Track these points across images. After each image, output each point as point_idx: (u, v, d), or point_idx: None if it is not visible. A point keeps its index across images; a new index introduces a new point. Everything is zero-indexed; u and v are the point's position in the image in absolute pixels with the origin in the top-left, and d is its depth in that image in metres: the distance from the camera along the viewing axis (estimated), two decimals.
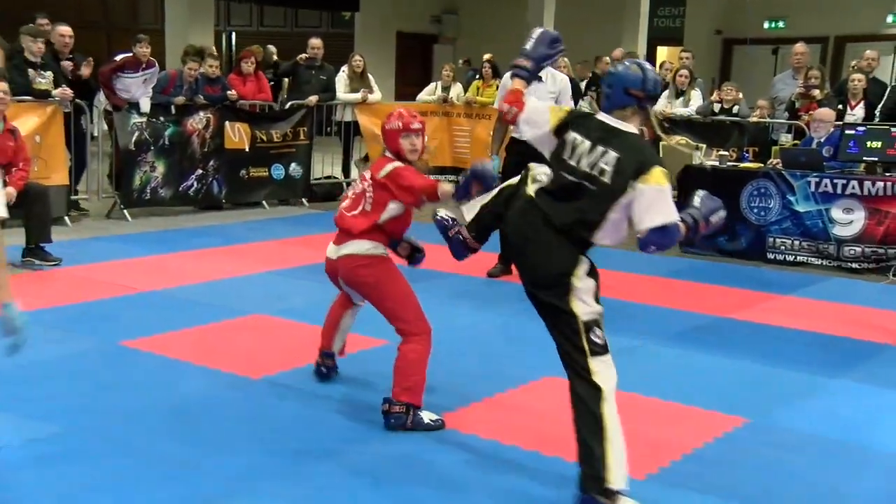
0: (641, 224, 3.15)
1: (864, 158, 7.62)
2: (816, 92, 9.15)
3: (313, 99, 10.22)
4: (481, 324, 5.60)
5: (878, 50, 10.43)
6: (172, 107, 9.13)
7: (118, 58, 8.93)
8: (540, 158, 3.46)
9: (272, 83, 11.04)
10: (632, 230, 3.23)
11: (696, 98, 10.11)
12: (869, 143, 7.55)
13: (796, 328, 5.78)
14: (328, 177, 11.12)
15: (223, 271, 6.75)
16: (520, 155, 5.24)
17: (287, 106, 10.24)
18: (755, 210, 7.88)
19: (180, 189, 9.29)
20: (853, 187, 7.48)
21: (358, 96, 10.60)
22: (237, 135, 9.63)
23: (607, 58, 11.93)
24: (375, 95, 10.81)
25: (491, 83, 10.98)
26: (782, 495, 3.46)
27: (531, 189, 3.34)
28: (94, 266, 6.79)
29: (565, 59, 9.76)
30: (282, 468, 3.49)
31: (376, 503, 3.26)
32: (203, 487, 3.32)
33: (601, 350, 3.21)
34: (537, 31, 3.66)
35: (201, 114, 9.31)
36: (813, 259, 7.70)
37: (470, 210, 3.64)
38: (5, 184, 6.42)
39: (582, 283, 3.21)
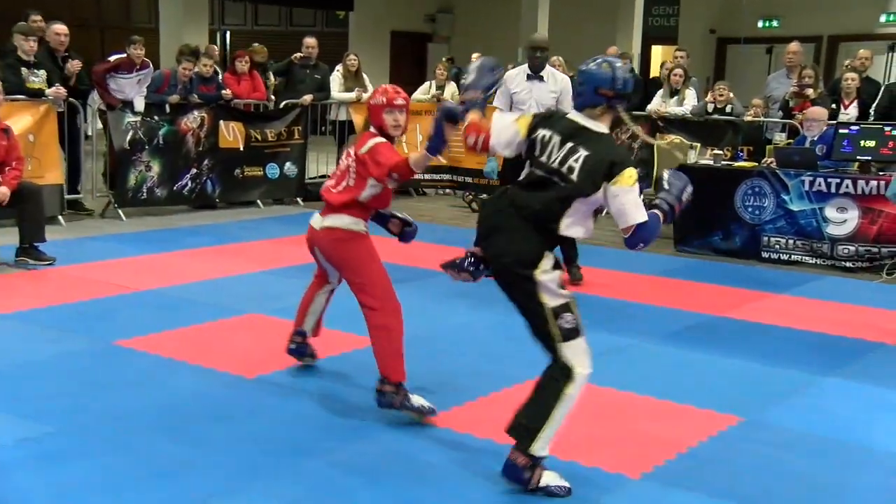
0: (622, 225, 3.24)
1: (858, 157, 7.63)
2: (810, 91, 9.16)
3: (308, 98, 10.21)
4: (477, 322, 5.61)
5: (872, 49, 10.43)
6: (167, 106, 9.12)
7: (112, 58, 8.93)
8: None
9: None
10: (617, 231, 3.26)
11: (690, 97, 10.12)
12: (863, 143, 7.57)
13: (790, 327, 5.79)
14: (323, 176, 11.08)
15: (218, 270, 6.75)
16: (517, 156, 5.24)
17: (281, 105, 10.24)
18: (749, 209, 7.90)
19: (175, 188, 9.28)
20: (847, 186, 7.50)
21: (352, 95, 10.60)
22: (232, 134, 9.62)
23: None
24: (370, 94, 10.79)
25: None
26: (777, 493, 3.47)
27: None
28: (89, 265, 6.78)
29: (560, 58, 9.75)
30: (277, 467, 3.49)
31: (371, 502, 3.26)
32: (197, 486, 3.32)
33: (572, 334, 3.26)
34: (475, 63, 3.74)
35: (196, 113, 9.30)
36: (807, 258, 7.72)
37: None
38: None
39: (546, 276, 3.26)
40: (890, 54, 14.20)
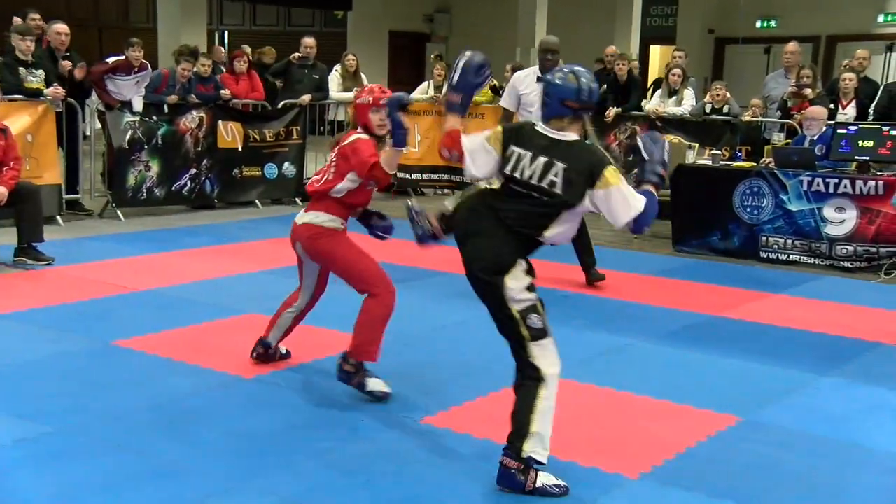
0: (619, 223, 3.27)
1: (856, 157, 7.63)
2: (808, 91, 9.17)
3: (306, 98, 10.21)
4: (475, 322, 5.59)
5: (870, 49, 10.45)
6: (165, 106, 9.12)
7: (110, 60, 8.94)
8: None
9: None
10: (616, 231, 3.28)
11: (688, 97, 10.12)
12: (861, 142, 7.57)
13: (788, 327, 5.79)
14: None
15: (216, 270, 6.75)
16: None
17: (280, 105, 10.23)
18: (748, 209, 7.90)
19: (173, 188, 9.27)
20: (845, 186, 7.50)
21: (351, 95, 10.42)
22: (230, 134, 9.62)
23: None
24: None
25: None
26: (775, 493, 3.47)
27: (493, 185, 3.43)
28: (87, 265, 6.77)
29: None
30: (274, 467, 3.49)
31: (370, 502, 3.26)
32: (196, 486, 3.32)
33: (540, 334, 3.30)
34: (461, 61, 3.47)
35: (194, 113, 9.30)
36: (805, 258, 7.72)
37: (451, 201, 3.66)
38: None
39: (514, 282, 3.29)
40: (888, 54, 14.25)
